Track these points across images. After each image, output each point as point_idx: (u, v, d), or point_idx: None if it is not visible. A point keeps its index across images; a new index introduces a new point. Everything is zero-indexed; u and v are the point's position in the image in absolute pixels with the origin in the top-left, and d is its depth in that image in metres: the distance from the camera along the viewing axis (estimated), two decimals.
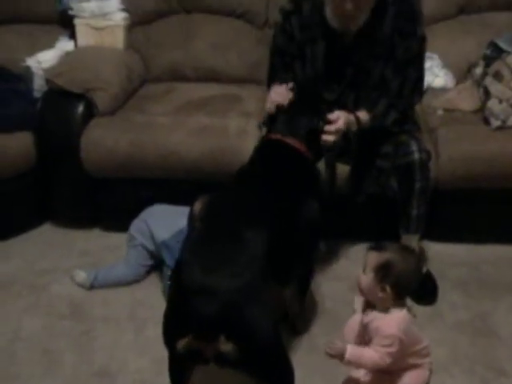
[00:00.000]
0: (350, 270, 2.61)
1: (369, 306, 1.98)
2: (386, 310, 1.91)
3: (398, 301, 1.91)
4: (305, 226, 2.02)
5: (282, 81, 2.36)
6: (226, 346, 1.48)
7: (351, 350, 1.85)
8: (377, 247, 1.94)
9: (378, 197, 2.51)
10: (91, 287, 2.52)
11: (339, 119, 2.18)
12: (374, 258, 1.91)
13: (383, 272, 1.88)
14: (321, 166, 2.45)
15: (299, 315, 2.27)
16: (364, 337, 1.99)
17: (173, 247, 2.38)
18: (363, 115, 2.28)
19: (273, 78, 2.45)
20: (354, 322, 2.13)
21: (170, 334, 1.59)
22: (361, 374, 1.97)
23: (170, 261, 2.38)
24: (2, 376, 2.11)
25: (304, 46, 2.34)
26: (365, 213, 2.63)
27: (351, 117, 2.24)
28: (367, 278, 1.90)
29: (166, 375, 1.74)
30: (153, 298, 2.41)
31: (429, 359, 2.01)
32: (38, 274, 2.64)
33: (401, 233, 2.39)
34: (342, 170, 2.49)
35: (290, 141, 2.12)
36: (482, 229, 2.72)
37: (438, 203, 2.53)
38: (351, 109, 2.33)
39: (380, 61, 2.30)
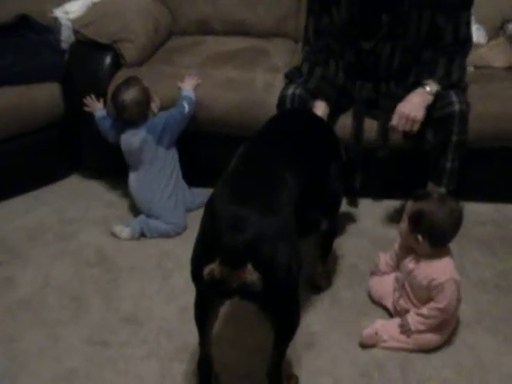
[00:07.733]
0: (373, 226, 2.63)
1: (410, 251, 2.00)
2: (429, 256, 1.93)
3: (438, 248, 1.92)
4: (330, 183, 2.01)
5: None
6: (252, 276, 1.46)
7: (411, 320, 1.95)
8: (415, 196, 1.95)
9: (403, 153, 2.48)
10: (140, 238, 2.58)
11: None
12: (410, 206, 1.94)
13: (415, 221, 1.90)
14: (348, 118, 2.44)
15: (322, 274, 2.27)
16: (404, 286, 2.01)
17: None
18: (430, 85, 2.25)
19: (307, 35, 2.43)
20: (385, 280, 2.16)
21: (198, 261, 1.56)
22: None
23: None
24: (32, 321, 2.17)
25: None
26: (388, 170, 2.61)
27: (416, 99, 2.22)
28: (404, 226, 1.95)
29: (191, 323, 1.75)
30: (180, 251, 2.44)
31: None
32: (66, 223, 2.69)
33: (430, 187, 2.36)
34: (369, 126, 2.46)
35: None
36: (509, 188, 2.69)
37: (465, 161, 2.50)
38: (395, 67, 2.30)
39: (427, 10, 2.20)
